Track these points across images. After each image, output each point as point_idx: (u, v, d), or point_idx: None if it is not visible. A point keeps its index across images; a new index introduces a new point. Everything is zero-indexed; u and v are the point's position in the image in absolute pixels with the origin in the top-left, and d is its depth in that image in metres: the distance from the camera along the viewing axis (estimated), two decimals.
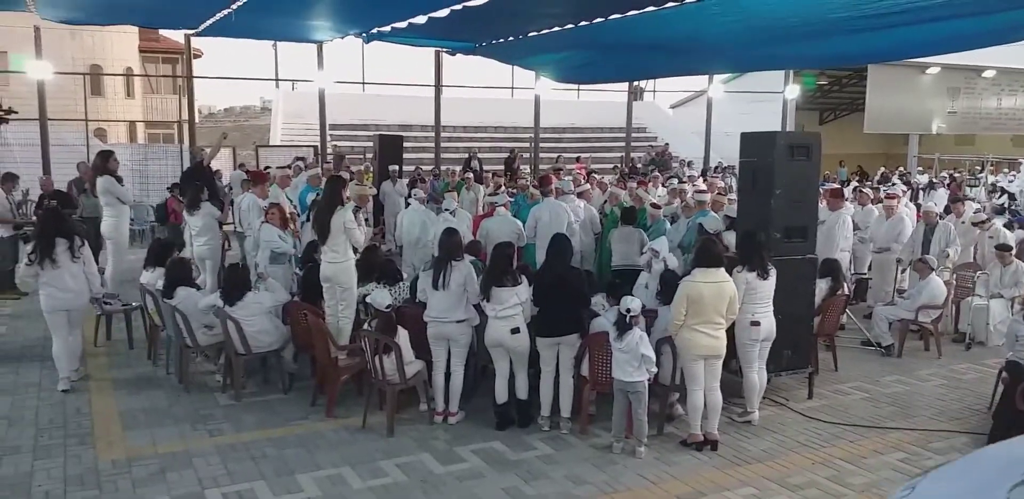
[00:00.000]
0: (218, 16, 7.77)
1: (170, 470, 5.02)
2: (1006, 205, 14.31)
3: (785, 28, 6.98)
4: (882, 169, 20.42)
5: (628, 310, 5.19)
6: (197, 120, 19.14)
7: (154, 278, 7.19)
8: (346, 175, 10.24)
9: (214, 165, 12.21)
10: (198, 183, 9.14)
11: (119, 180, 9.26)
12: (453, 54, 10.40)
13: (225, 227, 9.81)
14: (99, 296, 7.05)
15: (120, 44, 27.81)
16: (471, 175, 14.22)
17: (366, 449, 5.38)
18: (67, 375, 6.53)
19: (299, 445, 5.43)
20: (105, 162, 9.17)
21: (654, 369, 5.29)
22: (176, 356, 6.85)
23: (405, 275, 7.31)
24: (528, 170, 18.31)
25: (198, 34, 9.13)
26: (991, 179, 18.65)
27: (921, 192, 15.93)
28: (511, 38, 8.88)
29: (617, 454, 5.34)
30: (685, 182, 12.53)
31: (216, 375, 6.77)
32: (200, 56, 26.92)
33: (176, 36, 25.44)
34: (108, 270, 9.10)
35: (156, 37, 29.30)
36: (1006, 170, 20.26)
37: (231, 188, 12.48)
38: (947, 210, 10.50)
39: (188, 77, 17.17)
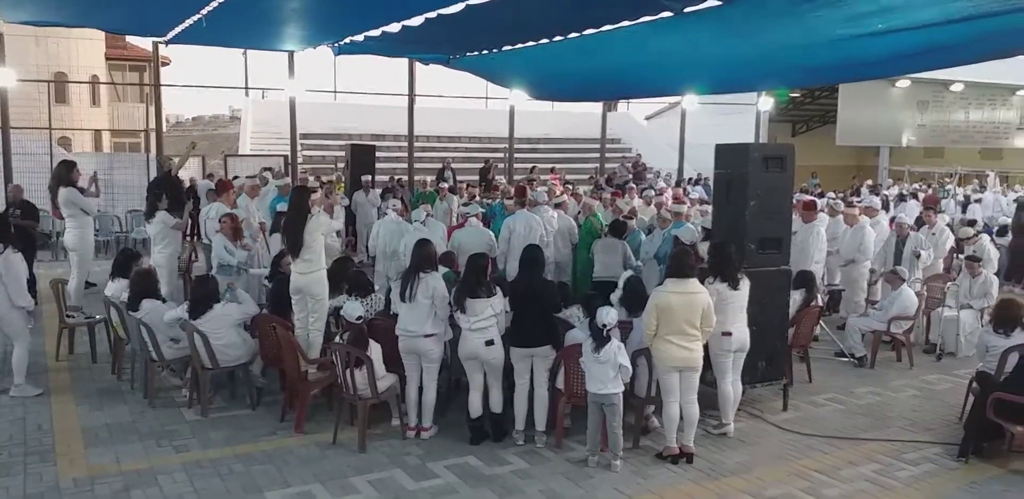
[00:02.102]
0: (187, 23, 7.63)
1: (134, 488, 4.87)
2: (970, 219, 14.52)
3: (765, 49, 7.02)
4: (855, 182, 20.70)
5: (604, 325, 5.15)
6: (165, 129, 18.92)
7: (119, 290, 7.03)
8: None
9: (183, 175, 12.03)
10: (157, 192, 9.03)
11: (82, 191, 9.08)
12: (427, 64, 10.34)
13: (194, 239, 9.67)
14: (27, 307, 6.73)
15: (86, 51, 27.46)
16: (445, 185, 14.15)
17: (337, 465, 5.26)
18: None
19: (268, 461, 5.30)
20: (69, 172, 8.99)
21: (627, 378, 5.23)
22: (141, 370, 6.69)
23: (377, 287, 7.21)
24: (504, 180, 18.28)
25: (166, 42, 8.98)
26: (957, 191, 18.96)
27: (892, 204, 16.12)
28: (485, 52, 8.84)
29: (593, 468, 5.28)
30: (660, 194, 12.57)
31: (182, 390, 6.62)
32: (168, 64, 26.66)
33: (143, 43, 25.22)
34: (72, 282, 8.89)
35: (123, 44, 28.99)
36: (975, 181, 20.62)
37: (198, 198, 12.30)
38: (919, 222, 10.60)
39: (156, 85, 16.94)
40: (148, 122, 18.01)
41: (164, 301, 6.80)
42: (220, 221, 7.87)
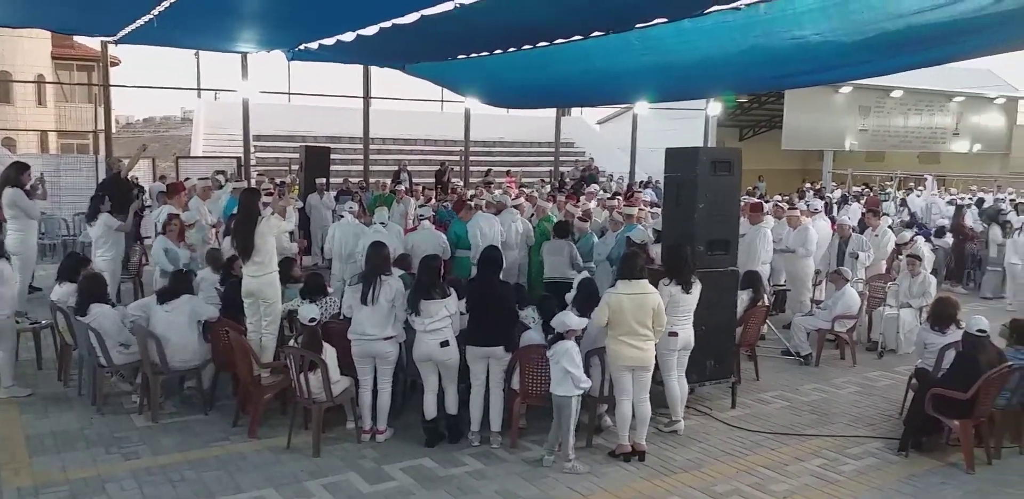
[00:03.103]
0: (139, 23, 7.49)
1: (81, 496, 4.78)
2: (910, 221, 15.01)
3: (703, 62, 7.21)
4: (804, 186, 21.20)
5: (560, 334, 5.28)
6: (114, 130, 18.50)
7: (65, 294, 6.88)
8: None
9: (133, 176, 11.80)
10: (99, 194, 8.86)
11: (30, 194, 8.86)
12: (382, 67, 10.34)
13: (146, 241, 9.50)
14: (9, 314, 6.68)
15: (32, 50, 26.72)
16: (402, 188, 14.12)
17: (291, 470, 5.24)
18: None
19: (220, 467, 5.25)
20: (19, 174, 8.75)
21: (584, 385, 5.29)
22: (89, 376, 6.56)
23: (332, 290, 7.19)
24: (460, 183, 18.31)
25: (116, 42, 8.79)
26: (897, 194, 19.55)
27: (835, 206, 16.56)
28: (438, 61, 8.89)
29: (548, 467, 5.34)
30: (614, 198, 12.73)
31: (132, 396, 6.51)
32: (118, 64, 26.12)
33: (92, 43, 24.61)
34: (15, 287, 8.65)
35: (70, 44, 28.23)
36: (911, 185, 21.27)
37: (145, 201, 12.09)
38: (861, 224, 10.93)
39: (105, 86, 16.59)
40: (97, 123, 17.59)
41: (114, 305, 6.68)
42: (165, 224, 7.80)
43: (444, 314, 5.57)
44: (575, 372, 5.21)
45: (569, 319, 5.34)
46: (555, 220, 9.84)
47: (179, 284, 6.44)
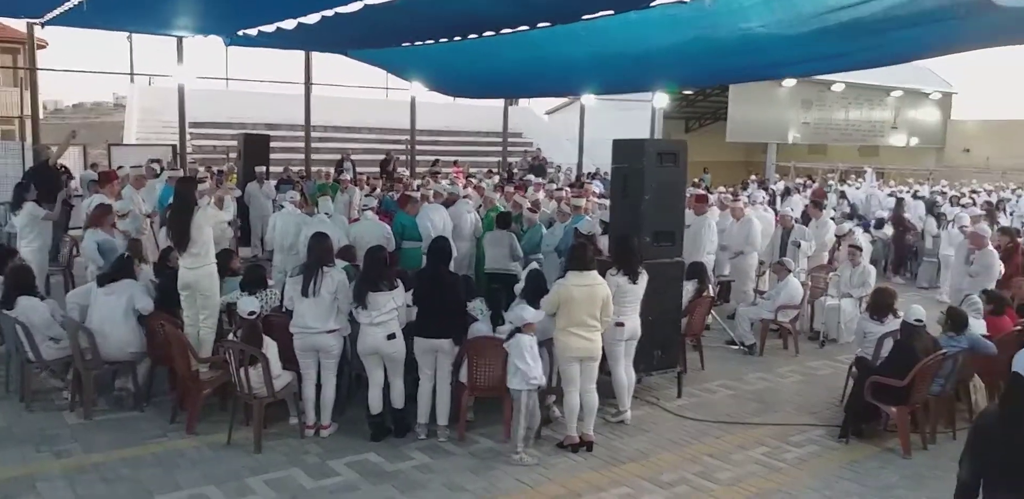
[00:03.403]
0: (66, 6, 7.14)
1: (11, 497, 4.59)
2: (850, 212, 15.38)
3: (648, 53, 7.23)
4: (749, 179, 21.59)
5: (518, 328, 5.25)
6: (42, 116, 17.77)
7: None
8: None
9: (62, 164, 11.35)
10: (23, 182, 8.50)
11: None
12: (324, 51, 10.11)
13: (72, 232, 9.14)
14: None
15: None
16: (347, 177, 13.86)
17: (231, 466, 5.09)
18: None
19: (157, 465, 5.08)
20: None
21: (534, 381, 5.24)
22: (17, 372, 6.28)
23: (273, 282, 7.01)
24: (407, 173, 18.09)
25: (43, 24, 8.38)
26: (838, 187, 20.02)
27: (779, 198, 16.87)
28: (382, 48, 8.71)
29: (495, 460, 5.31)
30: (562, 189, 12.73)
31: (63, 392, 6.25)
32: (45, 46, 25.03)
33: (17, 24, 23.53)
34: None
35: None
36: (854, 176, 21.83)
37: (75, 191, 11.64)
38: (804, 215, 11.13)
39: (31, 69, 15.90)
40: (23, 108, 16.85)
41: (42, 298, 6.40)
42: (92, 216, 7.46)
43: (391, 306, 5.47)
44: (524, 368, 5.18)
45: (526, 312, 5.29)
46: (501, 211, 9.79)
47: (122, 268, 6.23)
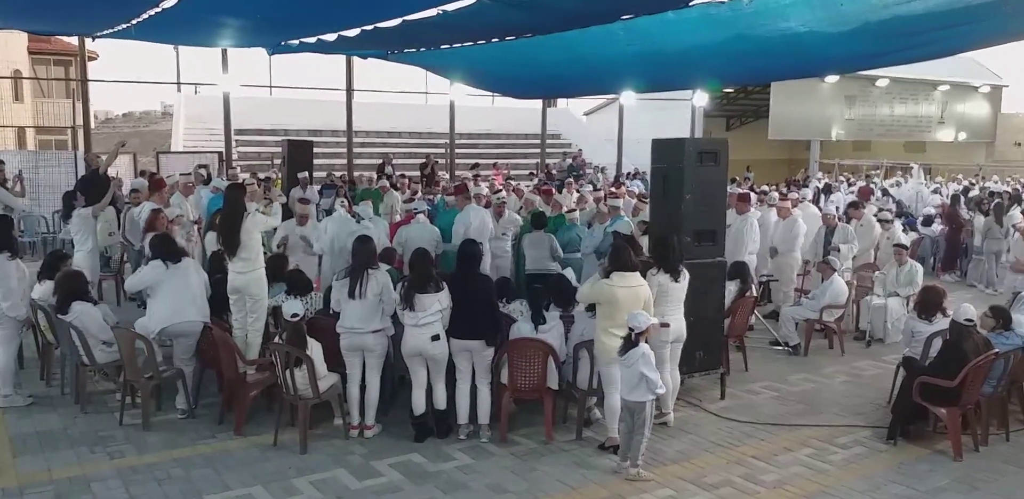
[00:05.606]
0: (116, 28, 7.39)
1: (67, 496, 4.73)
2: (895, 210, 15.04)
3: (688, 52, 7.18)
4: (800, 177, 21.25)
5: (631, 328, 5.01)
6: (93, 125, 18.31)
7: (47, 292, 6.77)
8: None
9: (112, 172, 11.65)
10: (72, 191, 8.72)
11: (6, 188, 8.74)
12: (365, 58, 10.23)
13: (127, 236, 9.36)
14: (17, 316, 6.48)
15: (8, 45, 26.26)
16: (387, 182, 14.01)
17: (278, 467, 5.19)
18: None
19: (206, 465, 5.19)
20: None
21: (658, 391, 5.05)
22: (72, 375, 6.46)
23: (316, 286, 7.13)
24: (446, 176, 18.22)
25: (94, 37, 8.67)
26: (882, 184, 19.63)
27: (821, 196, 16.59)
28: (423, 49, 8.80)
29: (536, 461, 5.32)
30: (600, 189, 12.70)
31: (116, 395, 6.42)
32: (95, 58, 25.78)
33: (69, 38, 24.30)
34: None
35: (47, 38, 27.80)
36: (900, 173, 21.36)
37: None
38: (847, 214, 10.93)
39: (82, 80, 16.40)
40: (75, 118, 17.37)
41: (95, 303, 6.58)
42: (148, 221, 7.68)
43: (437, 308, 5.51)
44: (652, 376, 4.95)
45: (638, 319, 5.02)
46: (537, 211, 9.81)
47: (179, 251, 6.30)
